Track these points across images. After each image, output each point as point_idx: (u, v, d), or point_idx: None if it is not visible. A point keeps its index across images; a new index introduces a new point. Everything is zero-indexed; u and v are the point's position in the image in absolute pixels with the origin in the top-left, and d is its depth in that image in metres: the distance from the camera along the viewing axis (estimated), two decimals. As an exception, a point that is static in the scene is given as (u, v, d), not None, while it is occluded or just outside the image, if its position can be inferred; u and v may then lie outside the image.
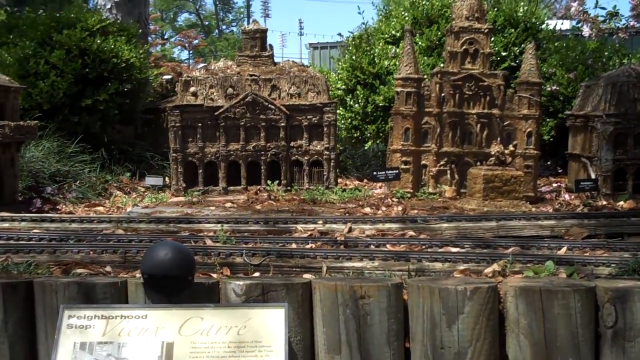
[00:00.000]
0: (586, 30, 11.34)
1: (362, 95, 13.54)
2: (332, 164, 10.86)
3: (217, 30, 67.22)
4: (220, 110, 10.57)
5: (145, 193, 10.85)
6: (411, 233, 7.46)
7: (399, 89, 10.50)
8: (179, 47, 48.93)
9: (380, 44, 14.41)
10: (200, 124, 10.62)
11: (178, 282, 3.53)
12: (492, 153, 9.75)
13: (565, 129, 11.73)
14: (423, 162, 10.63)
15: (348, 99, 13.85)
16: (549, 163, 13.83)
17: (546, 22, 15.34)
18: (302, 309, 3.64)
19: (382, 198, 9.96)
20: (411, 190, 10.37)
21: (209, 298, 3.65)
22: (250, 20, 11.70)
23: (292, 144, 10.82)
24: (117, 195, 10.55)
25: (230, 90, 10.77)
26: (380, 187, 10.97)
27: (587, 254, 6.30)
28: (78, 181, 10.55)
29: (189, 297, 3.57)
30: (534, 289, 3.51)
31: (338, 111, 12.79)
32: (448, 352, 3.52)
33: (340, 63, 14.72)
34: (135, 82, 13.00)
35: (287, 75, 10.98)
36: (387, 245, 6.75)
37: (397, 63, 12.57)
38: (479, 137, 10.56)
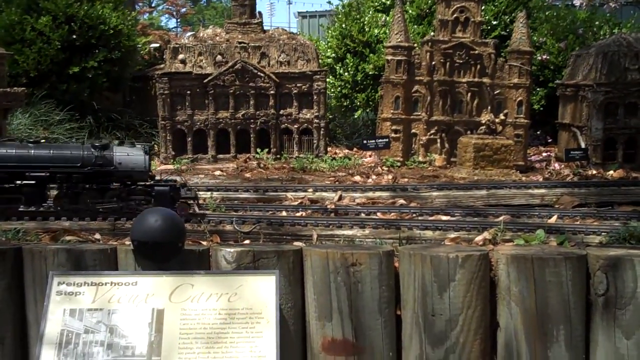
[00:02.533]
0: (577, 0, 11.28)
1: (351, 64, 13.47)
2: (322, 132, 10.81)
3: (205, -2, 66.61)
4: (209, 78, 10.49)
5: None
6: (402, 201, 7.46)
7: (389, 57, 10.44)
8: (167, 15, 48.47)
9: (370, 12, 14.31)
10: (189, 92, 10.54)
11: (168, 249, 3.50)
12: (483, 122, 9.73)
13: (555, 98, 11.72)
14: (413, 130, 10.61)
15: (338, 68, 13.78)
16: (539, 132, 13.84)
17: (537, -10, 15.25)
18: (293, 276, 3.62)
19: (372, 166, 9.94)
20: (401, 159, 10.36)
21: (200, 265, 3.62)
22: (240, -12, 11.62)
23: (281, 112, 10.77)
24: (105, 163, 10.46)
25: (219, 57, 10.68)
26: (370, 156, 10.95)
27: (578, 223, 6.32)
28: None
29: (179, 264, 3.54)
30: (525, 256, 3.50)
31: (328, 79, 12.73)
32: (439, 320, 3.51)
33: (329, 31, 14.63)
34: (123, 50, 12.86)
35: (276, 42, 10.89)
36: (378, 214, 6.74)
37: (387, 31, 12.50)
38: (470, 105, 10.54)
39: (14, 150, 5.90)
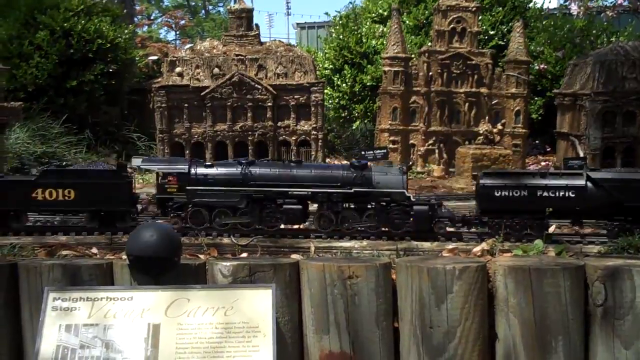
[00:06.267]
0: (574, 9, 11.28)
1: (349, 75, 13.48)
2: (319, 143, 10.80)
3: (203, 11, 66.77)
4: (207, 91, 10.49)
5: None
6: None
7: (386, 68, 10.45)
8: (166, 27, 48.49)
9: (368, 23, 14.33)
10: (186, 105, 10.54)
11: (164, 263, 3.49)
12: (481, 132, 9.72)
13: (553, 107, 11.71)
14: (411, 141, 10.61)
15: (335, 79, 13.79)
16: (537, 142, 13.83)
17: (533, 0, 15.30)
18: (289, 289, 3.61)
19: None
20: (399, 170, 10.34)
21: (196, 279, 3.61)
22: (237, 0, 11.64)
23: (279, 124, 10.76)
24: (103, 176, 10.43)
25: (216, 70, 10.68)
26: (368, 167, 10.92)
27: (576, 232, 6.30)
28: (64, 162, 10.43)
29: (175, 279, 3.52)
30: (523, 267, 3.48)
31: (325, 91, 12.73)
32: (437, 332, 3.49)
33: (327, 42, 14.65)
34: (120, 63, 12.87)
35: (273, 54, 10.89)
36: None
37: (384, 42, 12.51)
38: (467, 116, 10.54)
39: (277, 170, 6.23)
